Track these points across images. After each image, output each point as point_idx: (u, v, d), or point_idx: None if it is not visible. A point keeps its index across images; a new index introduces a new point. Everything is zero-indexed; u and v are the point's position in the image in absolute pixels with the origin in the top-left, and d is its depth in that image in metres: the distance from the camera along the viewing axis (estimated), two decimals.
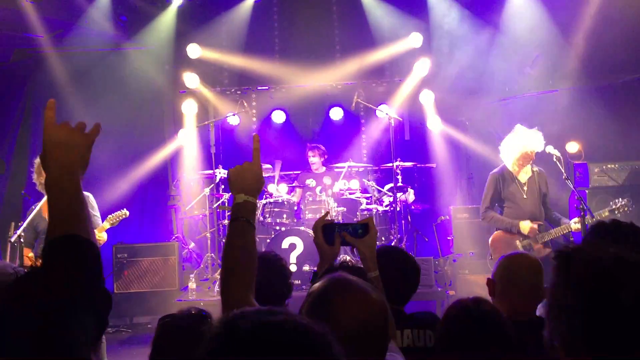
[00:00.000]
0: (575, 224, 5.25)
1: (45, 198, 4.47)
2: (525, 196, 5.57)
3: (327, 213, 2.29)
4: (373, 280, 2.04)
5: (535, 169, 5.64)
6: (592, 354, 1.24)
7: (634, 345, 1.22)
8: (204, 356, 0.90)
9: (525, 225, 5.45)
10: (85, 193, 5.79)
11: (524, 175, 5.64)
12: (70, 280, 1.29)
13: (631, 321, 1.22)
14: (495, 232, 5.71)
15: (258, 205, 7.19)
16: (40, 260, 1.34)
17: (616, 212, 5.32)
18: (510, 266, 2.57)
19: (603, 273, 1.26)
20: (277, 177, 8.09)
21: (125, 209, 5.84)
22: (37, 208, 4.77)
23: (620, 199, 5.49)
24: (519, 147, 5.49)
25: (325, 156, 8.09)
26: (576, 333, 1.26)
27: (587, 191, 7.12)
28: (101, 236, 5.47)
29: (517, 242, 5.50)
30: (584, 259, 1.31)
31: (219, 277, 5.23)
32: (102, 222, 5.59)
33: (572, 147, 7.61)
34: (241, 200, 1.77)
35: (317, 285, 1.53)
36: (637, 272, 1.25)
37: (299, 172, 8.32)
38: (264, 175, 1.85)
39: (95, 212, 5.52)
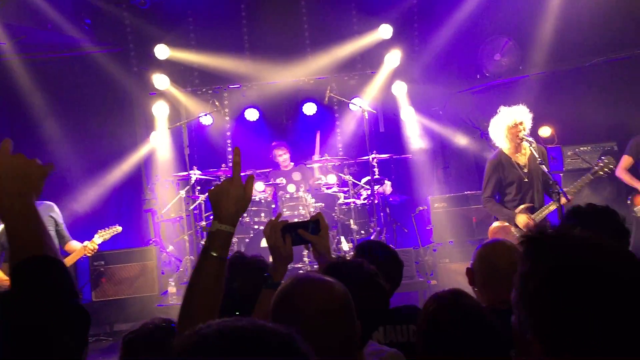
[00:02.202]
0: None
1: None
2: (526, 179, 5.29)
3: (279, 215, 2.26)
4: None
5: (534, 145, 5.27)
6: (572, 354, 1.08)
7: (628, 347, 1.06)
8: None
9: (521, 219, 5.18)
10: (49, 203, 5.72)
11: (522, 157, 5.37)
12: (42, 301, 1.26)
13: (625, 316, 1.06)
14: (494, 222, 5.47)
15: None
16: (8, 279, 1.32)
17: (600, 172, 5.19)
18: (488, 255, 2.57)
19: (581, 260, 1.13)
20: (317, 147, 8.45)
21: (118, 225, 5.80)
22: None
23: (603, 157, 5.36)
24: (503, 121, 5.29)
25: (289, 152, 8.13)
26: (550, 328, 1.12)
27: (561, 174, 7.20)
28: (75, 249, 5.38)
29: (512, 229, 5.25)
30: (555, 244, 1.18)
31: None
32: (94, 236, 5.57)
33: (545, 131, 7.71)
34: (214, 229, 1.59)
35: (282, 285, 1.55)
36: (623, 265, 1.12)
37: (269, 169, 8.29)
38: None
39: (60, 220, 5.50)
